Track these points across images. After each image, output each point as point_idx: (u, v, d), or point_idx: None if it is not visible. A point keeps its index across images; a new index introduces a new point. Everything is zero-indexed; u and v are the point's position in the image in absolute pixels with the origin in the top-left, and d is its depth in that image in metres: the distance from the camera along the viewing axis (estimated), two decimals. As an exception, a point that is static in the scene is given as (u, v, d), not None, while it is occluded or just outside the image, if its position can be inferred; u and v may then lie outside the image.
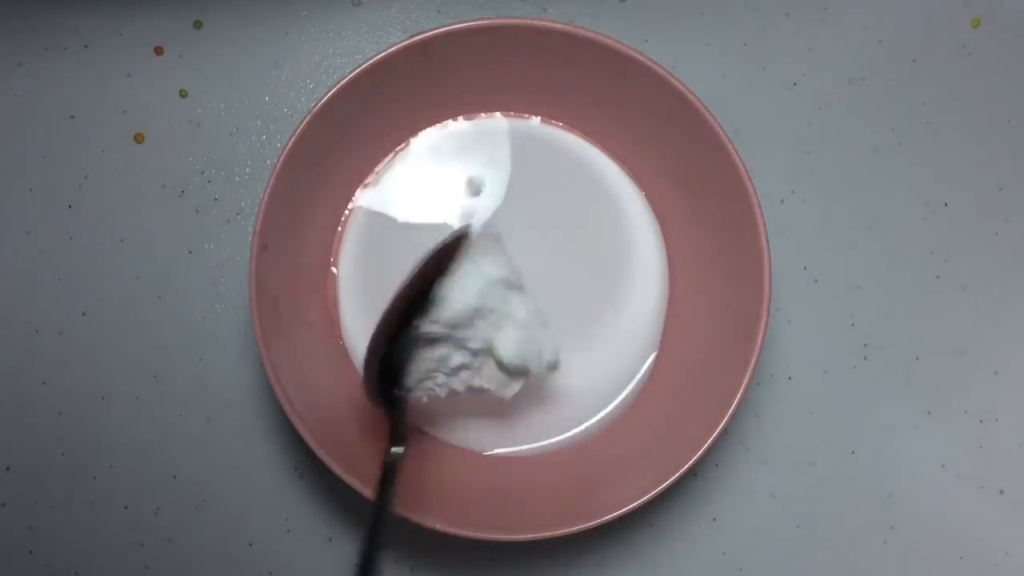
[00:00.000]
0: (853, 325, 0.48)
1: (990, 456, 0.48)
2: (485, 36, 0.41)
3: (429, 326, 0.38)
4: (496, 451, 0.44)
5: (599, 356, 0.44)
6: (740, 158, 0.40)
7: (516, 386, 0.41)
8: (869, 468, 0.47)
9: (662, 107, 0.42)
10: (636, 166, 0.46)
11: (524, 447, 0.44)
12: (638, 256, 0.45)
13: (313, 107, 0.40)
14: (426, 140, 0.45)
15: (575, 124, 0.46)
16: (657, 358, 0.45)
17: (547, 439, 0.44)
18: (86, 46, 0.48)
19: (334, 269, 0.45)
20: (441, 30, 0.41)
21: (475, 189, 0.45)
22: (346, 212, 0.45)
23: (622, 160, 0.46)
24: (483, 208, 0.45)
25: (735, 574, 0.47)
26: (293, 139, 0.40)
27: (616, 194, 0.46)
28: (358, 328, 0.44)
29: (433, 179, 0.45)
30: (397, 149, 0.46)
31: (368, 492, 0.39)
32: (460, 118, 0.45)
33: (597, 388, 0.44)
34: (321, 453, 0.39)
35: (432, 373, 0.40)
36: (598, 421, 0.44)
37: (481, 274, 0.39)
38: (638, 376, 0.45)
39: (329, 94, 0.40)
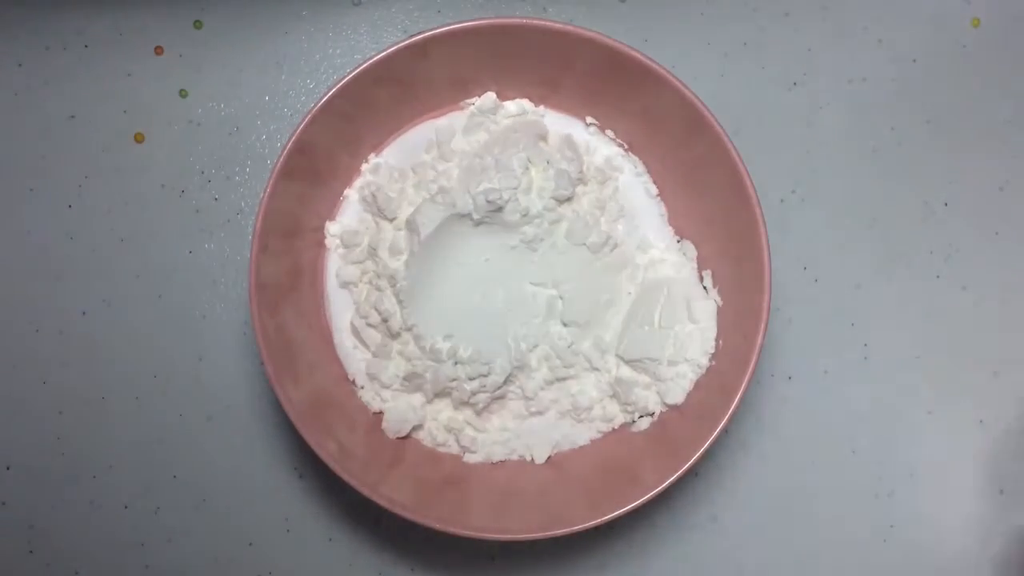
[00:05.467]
0: (853, 325, 0.48)
1: (990, 456, 0.48)
2: (485, 36, 0.41)
3: None
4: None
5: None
6: (740, 157, 0.40)
7: None
8: (869, 468, 0.47)
9: (662, 106, 0.42)
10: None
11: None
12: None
13: (313, 107, 0.40)
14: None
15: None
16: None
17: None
18: (86, 46, 0.48)
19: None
20: (441, 29, 0.41)
21: None
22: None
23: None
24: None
25: (735, 574, 0.47)
26: (293, 139, 0.40)
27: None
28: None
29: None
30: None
31: (368, 492, 0.39)
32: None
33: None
34: (321, 453, 0.39)
35: None
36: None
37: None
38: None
39: (329, 93, 0.40)
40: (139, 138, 0.47)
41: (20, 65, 0.48)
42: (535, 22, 0.41)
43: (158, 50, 0.48)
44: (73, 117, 0.48)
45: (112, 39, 0.48)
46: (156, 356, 0.46)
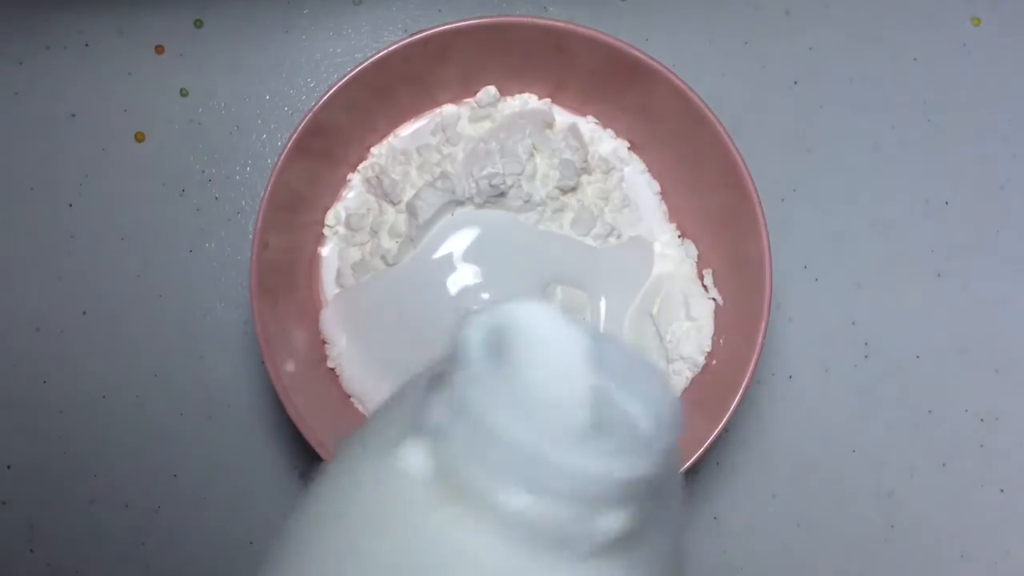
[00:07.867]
0: (854, 324, 0.48)
1: (990, 455, 0.47)
2: (486, 34, 0.41)
3: None
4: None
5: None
6: (741, 156, 0.40)
7: None
8: (869, 467, 0.47)
9: (662, 105, 0.42)
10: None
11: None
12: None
13: (313, 105, 0.40)
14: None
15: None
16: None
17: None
18: (87, 45, 0.48)
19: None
20: (442, 28, 0.41)
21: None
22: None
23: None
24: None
25: (735, 574, 0.46)
26: (294, 138, 0.40)
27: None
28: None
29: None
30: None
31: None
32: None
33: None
34: (322, 452, 0.39)
35: None
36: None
37: None
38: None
39: (330, 92, 0.40)
40: (139, 137, 0.47)
41: (20, 64, 0.48)
42: (536, 20, 0.41)
43: (159, 49, 0.48)
44: (73, 116, 0.48)
45: (112, 38, 0.48)
46: (156, 356, 0.46)
